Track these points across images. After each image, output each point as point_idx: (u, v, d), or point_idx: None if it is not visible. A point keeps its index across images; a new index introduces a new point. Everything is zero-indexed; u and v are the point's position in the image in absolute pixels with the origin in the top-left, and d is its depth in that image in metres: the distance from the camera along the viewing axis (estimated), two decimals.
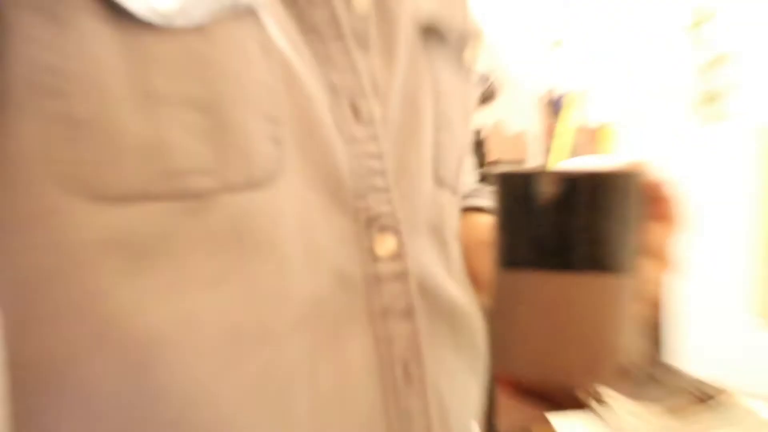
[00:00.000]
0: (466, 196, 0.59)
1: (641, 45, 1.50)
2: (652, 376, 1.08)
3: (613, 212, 0.36)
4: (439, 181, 0.47)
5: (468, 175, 0.61)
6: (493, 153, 1.93)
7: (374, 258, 0.41)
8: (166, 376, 0.36)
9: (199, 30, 0.36)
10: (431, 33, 0.48)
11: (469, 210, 0.58)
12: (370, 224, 0.42)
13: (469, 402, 0.50)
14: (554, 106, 1.55)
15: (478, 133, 1.60)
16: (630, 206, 0.36)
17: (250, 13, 0.37)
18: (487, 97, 1.69)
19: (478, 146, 1.60)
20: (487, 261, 0.39)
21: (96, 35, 0.34)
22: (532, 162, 1.80)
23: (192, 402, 0.36)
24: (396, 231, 0.42)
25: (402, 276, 0.42)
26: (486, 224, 0.50)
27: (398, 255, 0.42)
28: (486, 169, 0.42)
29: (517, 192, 0.36)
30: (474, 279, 0.54)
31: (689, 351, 1.44)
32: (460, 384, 0.48)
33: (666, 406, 0.96)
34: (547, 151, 1.54)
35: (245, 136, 0.36)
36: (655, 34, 1.45)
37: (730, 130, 1.32)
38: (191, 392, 0.36)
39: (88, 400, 0.36)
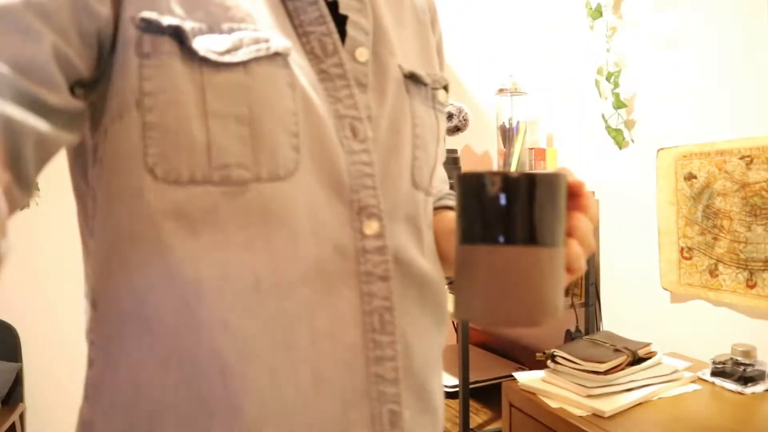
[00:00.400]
0: (438, 198, 0.65)
1: (570, 90, 1.55)
2: (593, 340, 1.13)
3: (543, 202, 0.38)
4: (415, 185, 0.52)
5: (440, 183, 0.67)
6: (465, 168, 1.98)
7: (363, 236, 0.46)
8: (207, 312, 0.40)
9: (243, 66, 0.42)
10: (412, 79, 0.53)
11: (441, 208, 0.64)
12: (361, 212, 0.46)
13: (431, 344, 0.53)
14: (509, 133, 1.59)
15: (455, 152, 1.64)
16: (555, 198, 0.39)
17: (281, 57, 0.43)
18: (459, 128, 1.72)
19: (455, 162, 1.62)
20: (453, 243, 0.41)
21: (176, 70, 0.40)
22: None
23: (224, 332, 0.40)
24: (379, 218, 0.47)
25: (382, 250, 0.47)
26: (453, 217, 0.57)
27: (380, 235, 0.47)
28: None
29: (472, 187, 0.39)
30: (444, 257, 0.58)
31: (620, 319, 1.50)
32: (424, 330, 0.51)
33: (605, 363, 0.99)
34: (506, 166, 1.57)
35: (273, 144, 0.42)
36: (579, 81, 1.49)
37: (637, 152, 1.36)
38: (224, 324, 0.40)
39: (150, 326, 0.41)
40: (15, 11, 0.36)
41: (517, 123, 1.57)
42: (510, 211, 0.38)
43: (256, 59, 0.42)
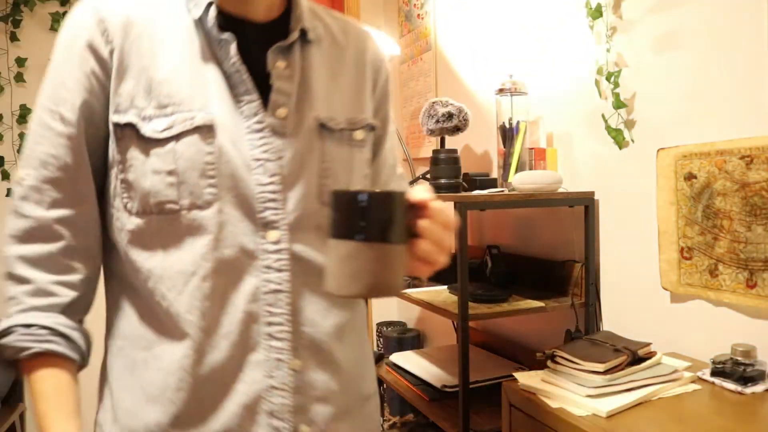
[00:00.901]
0: None
1: (570, 90, 1.55)
2: (593, 340, 1.13)
3: (378, 212, 0.55)
4: (323, 203, 0.71)
5: (391, 187, 0.88)
6: (465, 167, 1.98)
7: (265, 241, 0.68)
8: (161, 291, 0.67)
9: (175, 137, 0.65)
10: (324, 126, 0.73)
11: None
12: (266, 226, 0.68)
13: (333, 318, 0.73)
14: (509, 133, 1.59)
15: (455, 152, 1.64)
16: (389, 210, 0.56)
17: (205, 127, 0.66)
18: (459, 128, 1.72)
19: (455, 162, 1.62)
20: None
21: (134, 146, 0.66)
22: (489, 173, 1.85)
23: (166, 300, 0.67)
24: (279, 229, 0.68)
25: (280, 251, 0.69)
26: None
27: (279, 241, 0.68)
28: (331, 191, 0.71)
29: (334, 199, 0.56)
30: None
31: (620, 319, 1.50)
32: (323, 309, 0.72)
33: (605, 363, 0.99)
34: (506, 165, 1.57)
35: (194, 187, 0.66)
36: (579, 81, 1.49)
37: (637, 152, 1.36)
38: (171, 298, 0.66)
39: (132, 295, 0.70)
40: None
41: (517, 123, 1.57)
42: (355, 216, 0.55)
43: (184, 132, 0.66)
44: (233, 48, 0.68)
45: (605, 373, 0.97)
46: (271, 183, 0.68)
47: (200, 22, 0.69)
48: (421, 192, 0.60)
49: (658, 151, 1.28)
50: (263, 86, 0.70)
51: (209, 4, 0.68)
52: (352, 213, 0.56)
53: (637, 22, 1.34)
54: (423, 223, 0.59)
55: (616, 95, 1.36)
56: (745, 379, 1.00)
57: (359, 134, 0.77)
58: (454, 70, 2.16)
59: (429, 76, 2.33)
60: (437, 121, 1.69)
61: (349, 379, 0.74)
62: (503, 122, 1.59)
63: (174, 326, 0.66)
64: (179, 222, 0.66)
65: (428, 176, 1.68)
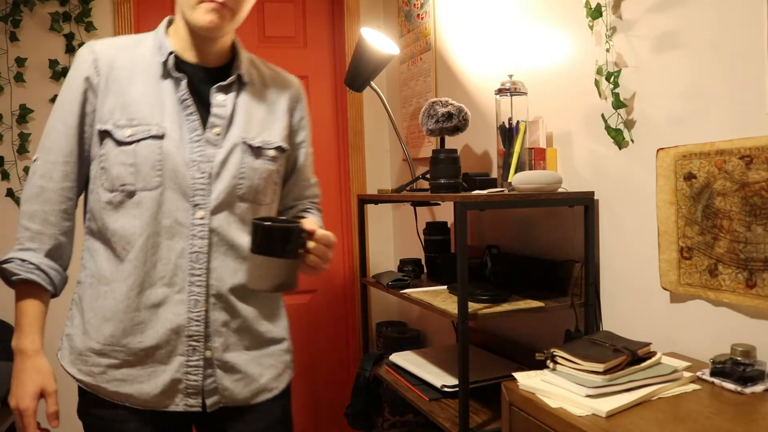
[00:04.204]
0: (302, 210, 1.28)
1: (570, 90, 1.55)
2: (593, 340, 1.13)
3: (286, 238, 0.93)
4: (240, 199, 1.06)
5: (308, 200, 1.29)
6: (465, 167, 1.98)
7: (193, 217, 1.02)
8: (120, 244, 1.02)
9: (136, 142, 1.00)
10: (244, 143, 1.07)
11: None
12: (195, 207, 1.02)
13: (234, 278, 1.06)
14: (509, 133, 1.58)
15: (454, 152, 1.64)
16: (294, 237, 0.95)
17: (158, 137, 1.00)
18: (459, 128, 1.72)
19: (454, 162, 1.62)
20: None
21: (110, 146, 1.01)
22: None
23: (127, 254, 1.02)
24: (205, 209, 1.02)
25: (203, 225, 1.02)
26: None
27: (203, 218, 1.02)
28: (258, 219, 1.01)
29: (256, 227, 0.93)
30: None
31: (619, 319, 1.50)
32: (230, 268, 1.06)
33: (605, 363, 0.99)
34: (505, 165, 1.57)
35: (146, 174, 1.00)
36: (579, 81, 1.49)
37: (637, 152, 1.36)
38: (127, 250, 1.01)
39: (101, 247, 1.05)
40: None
41: (517, 123, 1.57)
42: (265, 240, 0.92)
43: (143, 138, 1.00)
44: (184, 83, 1.04)
45: (605, 373, 0.97)
46: (201, 178, 1.02)
47: (164, 64, 1.04)
48: (311, 223, 0.98)
49: (658, 151, 1.28)
50: (205, 112, 1.05)
51: (170, 53, 1.04)
52: (264, 237, 0.91)
53: (637, 22, 1.34)
54: (311, 244, 0.99)
55: (616, 95, 1.36)
56: (745, 379, 1.00)
57: (271, 152, 1.11)
58: (454, 70, 2.16)
59: (429, 76, 2.33)
60: (437, 121, 1.69)
61: (248, 324, 1.09)
62: (503, 122, 1.59)
63: (125, 269, 1.01)
64: (134, 198, 1.00)
65: (428, 176, 1.68)
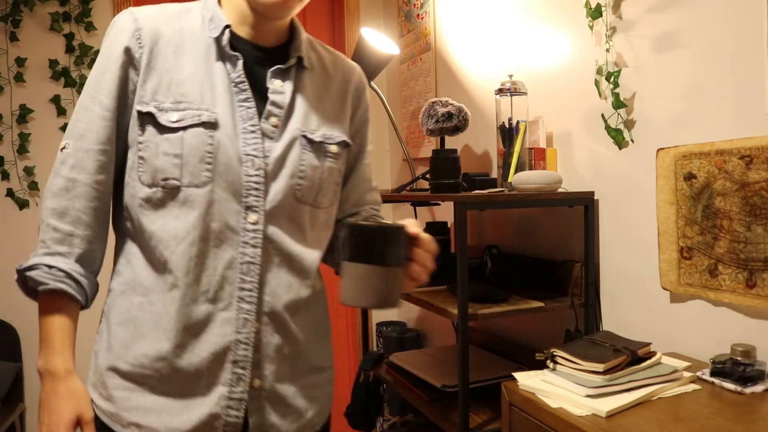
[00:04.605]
0: (366, 218, 1.04)
1: (570, 90, 1.55)
2: (592, 340, 1.13)
3: (391, 241, 0.72)
4: (297, 200, 0.89)
5: (371, 206, 1.07)
6: (465, 167, 1.98)
7: (245, 221, 0.84)
8: (159, 249, 0.84)
9: (183, 128, 0.82)
10: (304, 137, 0.90)
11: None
12: (248, 209, 0.84)
13: (289, 294, 0.89)
14: (509, 133, 1.58)
15: (454, 152, 1.64)
16: (391, 241, 0.72)
17: (209, 123, 0.83)
18: (459, 128, 1.72)
19: (454, 162, 1.62)
20: None
21: (151, 131, 0.83)
22: (489, 174, 1.84)
23: (166, 253, 0.83)
24: (258, 213, 0.85)
25: (257, 231, 0.85)
26: None
27: (257, 223, 0.85)
28: (354, 220, 0.88)
29: (356, 230, 0.72)
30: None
31: (620, 319, 1.50)
32: (284, 282, 0.88)
33: (605, 363, 0.98)
34: (505, 165, 1.57)
35: (195, 168, 0.82)
36: (579, 81, 1.49)
37: (637, 152, 1.36)
38: (166, 256, 0.83)
39: (137, 251, 0.87)
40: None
41: (517, 123, 1.57)
42: (368, 245, 0.72)
43: (192, 125, 0.83)
44: (240, 64, 0.86)
45: (605, 373, 0.97)
46: (256, 175, 0.85)
47: (216, 41, 0.87)
48: (414, 226, 0.77)
49: (657, 151, 1.27)
50: (261, 98, 0.87)
51: (226, 27, 0.86)
52: (364, 241, 0.72)
53: (637, 22, 1.34)
54: (416, 251, 0.78)
55: (616, 95, 1.36)
56: (745, 379, 1.00)
57: (333, 148, 0.93)
58: (454, 70, 2.16)
59: (429, 76, 2.33)
60: (437, 121, 1.69)
61: (300, 349, 0.92)
62: (503, 122, 1.59)
63: (166, 279, 0.83)
64: (179, 195, 0.83)
65: (428, 176, 1.68)
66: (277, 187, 0.86)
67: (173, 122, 0.82)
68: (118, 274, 0.88)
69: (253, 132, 0.85)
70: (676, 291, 1.25)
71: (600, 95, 1.45)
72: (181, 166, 0.82)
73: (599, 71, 1.41)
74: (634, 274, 1.37)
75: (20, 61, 2.28)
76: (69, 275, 0.82)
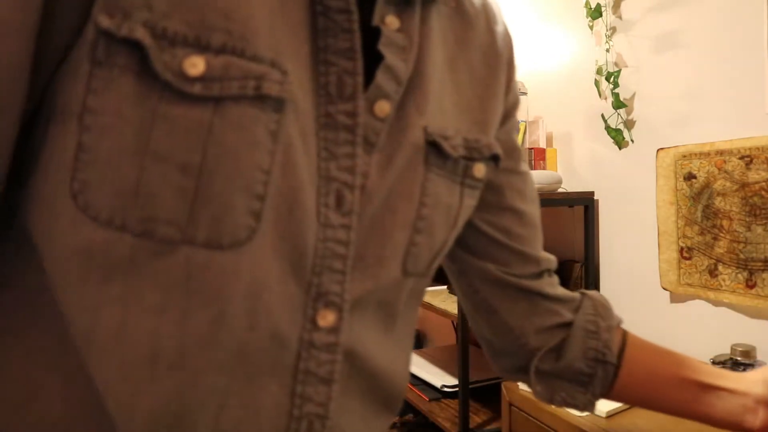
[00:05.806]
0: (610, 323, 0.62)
1: (570, 90, 1.55)
2: None
3: None
4: (406, 272, 0.42)
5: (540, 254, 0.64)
6: None
7: (314, 327, 0.37)
8: (96, 371, 0.32)
9: (214, 101, 0.32)
10: (435, 147, 0.42)
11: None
12: (319, 298, 0.37)
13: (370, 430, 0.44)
14: None
15: None
16: None
17: (273, 100, 0.34)
18: None
19: None
20: (716, 407, 0.44)
21: (126, 91, 0.31)
22: None
23: (105, 394, 0.32)
24: (339, 308, 0.38)
25: (333, 347, 0.38)
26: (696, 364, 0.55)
27: (335, 329, 0.38)
28: None
29: None
30: (647, 400, 0.57)
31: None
32: (360, 419, 0.43)
33: None
34: None
35: (224, 206, 0.33)
36: (579, 81, 1.49)
37: (637, 152, 1.36)
38: (106, 386, 0.32)
39: (63, 334, 0.33)
40: None
41: (517, 123, 1.57)
42: None
43: (235, 98, 0.33)
44: None
45: None
46: (343, 227, 0.38)
47: None
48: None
49: (657, 151, 1.27)
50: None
51: None
52: None
53: (637, 22, 1.34)
54: None
55: (616, 95, 1.36)
56: None
57: (479, 169, 0.46)
58: None
59: None
60: None
61: None
62: None
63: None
64: (171, 263, 0.34)
65: None
66: (375, 252, 0.40)
67: (196, 78, 0.32)
68: None
69: (348, 128, 0.38)
70: (676, 291, 1.25)
71: (600, 95, 1.45)
72: (194, 194, 0.33)
73: (599, 71, 1.41)
74: (634, 274, 1.37)
75: None
76: None
